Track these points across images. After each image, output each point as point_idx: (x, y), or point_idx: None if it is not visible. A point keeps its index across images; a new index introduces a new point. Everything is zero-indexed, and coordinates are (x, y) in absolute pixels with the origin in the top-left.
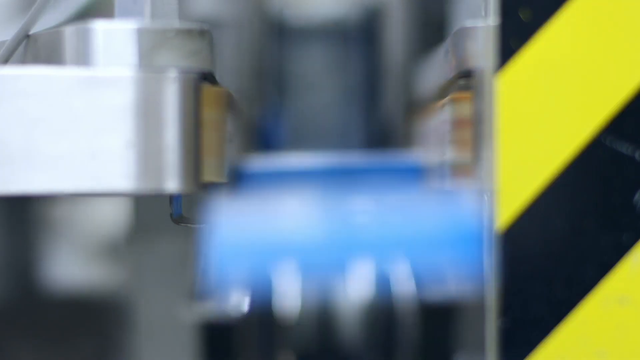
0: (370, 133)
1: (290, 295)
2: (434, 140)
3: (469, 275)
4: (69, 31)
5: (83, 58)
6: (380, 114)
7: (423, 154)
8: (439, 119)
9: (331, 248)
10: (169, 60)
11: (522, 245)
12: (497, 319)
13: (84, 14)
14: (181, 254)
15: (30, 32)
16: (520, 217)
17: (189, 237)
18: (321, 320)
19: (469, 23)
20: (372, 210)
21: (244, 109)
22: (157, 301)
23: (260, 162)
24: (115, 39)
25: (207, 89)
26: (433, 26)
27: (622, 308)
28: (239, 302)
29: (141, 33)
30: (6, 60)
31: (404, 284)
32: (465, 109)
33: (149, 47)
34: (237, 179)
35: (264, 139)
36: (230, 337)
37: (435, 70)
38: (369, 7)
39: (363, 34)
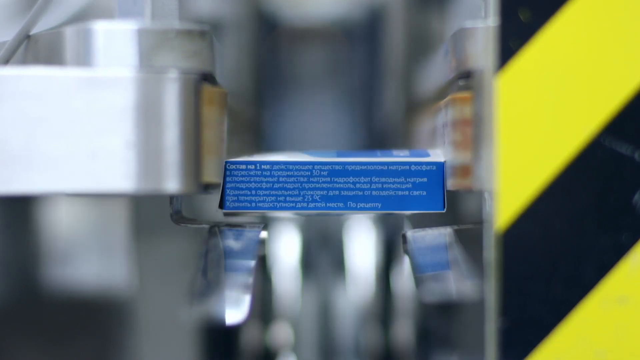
0: (370, 133)
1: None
2: (434, 141)
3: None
4: (70, 32)
5: (83, 59)
6: (380, 114)
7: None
8: (439, 120)
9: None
10: (170, 61)
11: (521, 245)
12: (496, 319)
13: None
14: (181, 254)
15: (31, 33)
16: (520, 217)
17: (189, 237)
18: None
19: (468, 24)
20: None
21: (243, 109)
22: (157, 301)
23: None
24: (115, 39)
25: (207, 89)
26: (433, 27)
27: (622, 308)
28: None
29: (141, 34)
30: (7, 61)
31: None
32: (465, 110)
33: (150, 47)
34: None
35: (263, 139)
36: (230, 337)
37: (435, 71)
38: (369, 7)
39: (363, 34)
